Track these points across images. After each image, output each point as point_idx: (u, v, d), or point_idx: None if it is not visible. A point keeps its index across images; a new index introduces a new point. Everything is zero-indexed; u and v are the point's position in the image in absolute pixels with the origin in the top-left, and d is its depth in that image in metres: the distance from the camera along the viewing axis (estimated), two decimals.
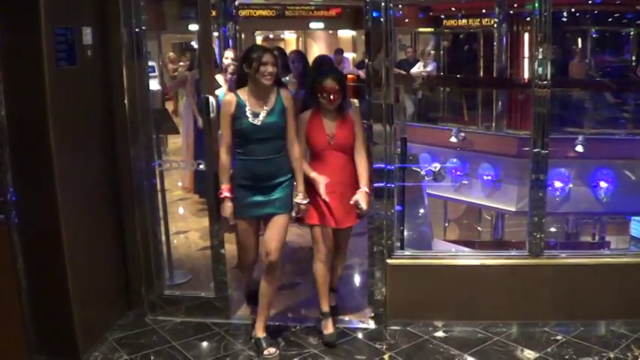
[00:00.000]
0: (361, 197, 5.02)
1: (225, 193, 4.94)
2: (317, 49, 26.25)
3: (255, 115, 4.83)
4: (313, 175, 5.08)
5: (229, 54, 7.68)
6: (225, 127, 4.88)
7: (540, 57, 5.25)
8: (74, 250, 4.83)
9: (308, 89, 5.23)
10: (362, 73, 13.14)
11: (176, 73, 14.22)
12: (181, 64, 13.82)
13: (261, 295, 5.09)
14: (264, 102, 4.88)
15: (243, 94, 4.88)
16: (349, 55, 20.19)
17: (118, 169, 5.52)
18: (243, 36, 13.90)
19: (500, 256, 5.75)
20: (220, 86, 6.95)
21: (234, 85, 6.79)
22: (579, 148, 9.35)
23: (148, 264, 5.63)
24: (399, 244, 5.63)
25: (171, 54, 16.76)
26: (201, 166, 5.51)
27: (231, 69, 7.37)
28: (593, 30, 16.27)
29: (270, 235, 5.00)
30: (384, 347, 5.16)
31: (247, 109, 4.83)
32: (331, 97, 4.99)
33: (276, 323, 5.47)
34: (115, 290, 5.64)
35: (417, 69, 14.27)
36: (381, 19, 5.17)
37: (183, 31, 16.10)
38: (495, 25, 14.24)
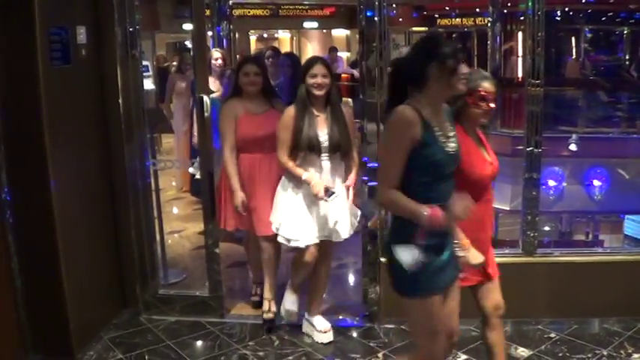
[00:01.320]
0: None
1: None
2: (311, 48, 26.25)
3: (448, 139, 3.34)
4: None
5: (217, 54, 7.59)
6: (402, 159, 3.21)
7: (533, 56, 5.27)
8: (69, 250, 4.83)
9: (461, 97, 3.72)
10: (356, 73, 13.14)
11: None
12: (174, 63, 13.84)
13: None
14: (444, 120, 3.40)
15: (423, 108, 3.23)
16: (343, 55, 20.20)
17: (113, 169, 5.52)
18: (237, 35, 13.88)
19: (493, 254, 5.77)
20: (212, 92, 6.54)
21: (230, 91, 5.80)
22: (573, 147, 9.36)
23: (143, 263, 5.64)
24: None
25: (160, 53, 16.76)
26: (191, 169, 5.54)
27: (220, 69, 7.32)
28: (587, 29, 16.29)
29: (453, 307, 3.71)
30: (378, 345, 5.17)
31: (437, 130, 3.27)
32: (490, 104, 3.82)
33: None
34: (109, 289, 5.64)
35: None
36: (375, 19, 5.17)
37: (177, 30, 16.09)
38: (489, 25, 14.26)
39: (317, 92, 4.85)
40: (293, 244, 5.03)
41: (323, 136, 4.88)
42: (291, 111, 4.92)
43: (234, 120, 5.27)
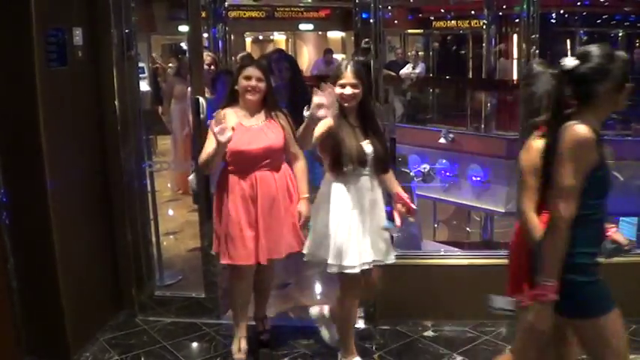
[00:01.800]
0: None
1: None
2: (306, 50, 26.27)
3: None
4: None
5: (208, 59, 7.54)
6: (582, 183, 3.05)
7: (528, 58, 5.29)
8: (65, 251, 4.84)
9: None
10: None
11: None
12: (170, 65, 13.78)
13: None
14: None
15: (594, 126, 3.06)
16: (338, 57, 20.23)
17: (109, 170, 5.52)
18: (232, 37, 13.91)
19: (488, 256, 5.78)
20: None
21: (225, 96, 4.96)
22: None
23: (139, 265, 5.64)
24: None
25: (154, 55, 16.75)
26: (191, 177, 5.54)
27: (211, 74, 7.29)
28: (582, 31, 16.35)
29: None
30: (374, 347, 5.18)
31: (606, 149, 3.19)
32: None
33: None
34: (105, 291, 5.64)
35: (406, 70, 14.31)
36: (371, 21, 5.19)
37: (173, 32, 16.09)
38: (484, 27, 14.31)
39: (346, 105, 4.32)
40: (348, 270, 4.32)
41: (367, 148, 4.35)
42: (324, 121, 4.19)
43: None
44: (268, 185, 4.66)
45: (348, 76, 4.26)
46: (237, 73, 4.69)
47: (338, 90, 4.19)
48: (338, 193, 4.35)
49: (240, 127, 4.58)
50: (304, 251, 4.60)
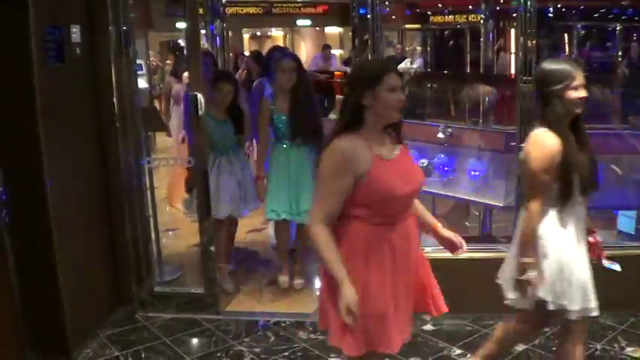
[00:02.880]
0: None
1: None
2: (304, 46, 26.26)
3: None
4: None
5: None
6: None
7: (525, 52, 5.30)
8: (64, 248, 4.84)
9: None
10: (349, 70, 13.15)
11: None
12: (168, 62, 13.75)
13: None
14: None
15: None
16: (336, 52, 20.23)
17: (107, 167, 5.54)
18: (230, 34, 13.89)
19: (487, 250, 5.79)
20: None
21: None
22: None
23: (138, 261, 5.65)
24: None
25: (150, 52, 16.75)
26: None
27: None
28: (579, 25, 16.34)
29: None
30: None
31: None
32: None
33: (266, 319, 5.49)
34: (105, 287, 5.66)
35: (403, 65, 14.33)
36: (368, 16, 5.20)
37: (170, 29, 16.07)
38: (482, 22, 14.31)
39: (579, 111, 3.61)
40: (593, 313, 3.76)
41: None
42: (551, 140, 3.52)
43: (362, 172, 3.08)
44: (414, 236, 3.39)
45: (580, 76, 3.56)
46: (368, 83, 3.12)
47: (572, 94, 3.53)
48: (564, 224, 3.68)
49: (381, 162, 3.16)
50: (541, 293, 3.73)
